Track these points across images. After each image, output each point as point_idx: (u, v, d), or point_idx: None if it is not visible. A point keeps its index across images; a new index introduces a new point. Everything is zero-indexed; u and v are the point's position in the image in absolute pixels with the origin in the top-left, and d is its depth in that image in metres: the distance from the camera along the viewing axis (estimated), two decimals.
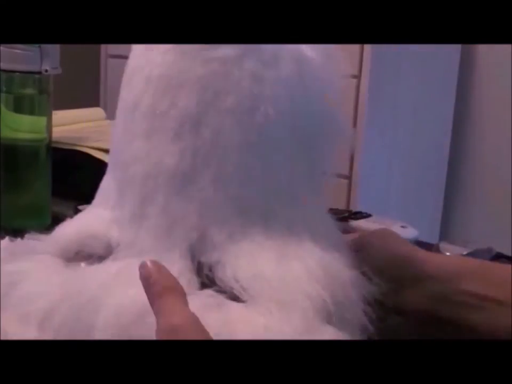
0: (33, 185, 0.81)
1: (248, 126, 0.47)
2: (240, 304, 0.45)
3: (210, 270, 0.47)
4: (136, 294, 0.41)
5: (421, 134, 2.02)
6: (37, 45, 0.77)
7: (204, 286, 0.47)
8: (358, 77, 1.75)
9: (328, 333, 0.43)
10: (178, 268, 0.45)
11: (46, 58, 0.78)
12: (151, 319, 0.39)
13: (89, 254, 0.50)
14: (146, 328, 0.41)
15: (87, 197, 0.56)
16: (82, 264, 0.50)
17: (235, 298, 0.45)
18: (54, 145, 0.84)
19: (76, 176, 0.95)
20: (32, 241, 0.55)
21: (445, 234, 2.20)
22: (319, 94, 0.49)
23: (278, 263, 0.46)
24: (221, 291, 0.46)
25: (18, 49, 0.77)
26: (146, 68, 0.49)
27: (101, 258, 0.49)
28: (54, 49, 0.79)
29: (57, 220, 0.57)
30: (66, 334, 0.44)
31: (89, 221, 0.52)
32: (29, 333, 0.46)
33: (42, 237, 0.55)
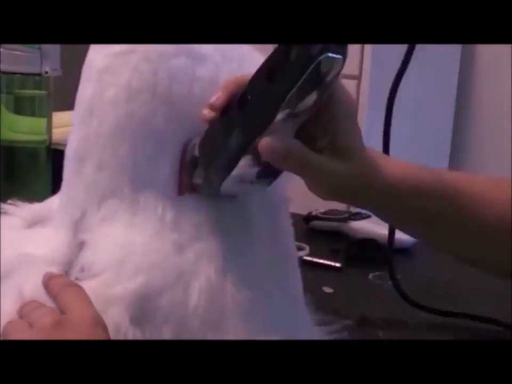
0: (33, 186, 0.81)
1: (123, 117, 0.50)
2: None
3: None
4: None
5: (421, 134, 2.02)
6: (37, 47, 0.77)
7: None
8: (358, 77, 1.75)
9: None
10: (59, 241, 0.51)
11: (46, 60, 0.78)
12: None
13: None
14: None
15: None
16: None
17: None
18: (54, 146, 0.84)
19: None
20: (13, 206, 0.60)
21: None
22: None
23: (124, 248, 0.49)
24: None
25: (19, 51, 0.77)
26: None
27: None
28: (54, 51, 0.79)
29: None
30: None
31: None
32: None
33: (22, 204, 0.60)
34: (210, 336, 0.46)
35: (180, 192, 0.50)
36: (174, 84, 0.49)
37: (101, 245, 0.49)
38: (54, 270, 0.49)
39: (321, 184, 0.50)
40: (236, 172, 0.48)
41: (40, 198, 0.71)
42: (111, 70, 0.50)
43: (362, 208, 0.58)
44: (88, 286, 0.47)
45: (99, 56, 0.51)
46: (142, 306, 0.46)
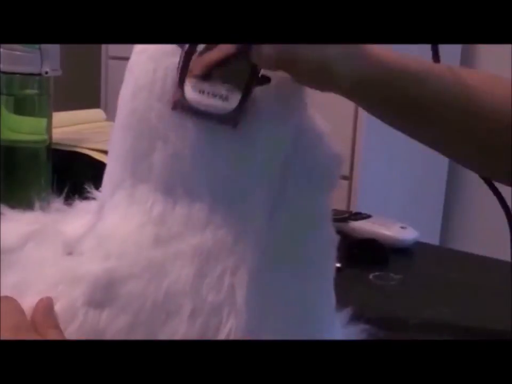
0: (33, 186, 0.81)
1: (129, 113, 0.52)
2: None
3: None
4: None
5: None
6: (37, 47, 0.77)
7: None
8: None
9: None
10: (80, 223, 0.53)
11: (46, 60, 0.78)
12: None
13: None
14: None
15: (87, 199, 0.57)
16: None
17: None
18: (54, 146, 0.84)
19: (76, 178, 0.95)
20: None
21: (445, 234, 2.20)
22: None
23: (106, 235, 0.50)
24: None
25: (19, 51, 0.77)
26: None
27: None
28: (54, 51, 0.79)
29: None
30: None
31: None
32: None
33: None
34: (162, 335, 0.46)
35: (173, 106, 0.51)
36: (168, 81, 0.50)
37: (96, 229, 0.51)
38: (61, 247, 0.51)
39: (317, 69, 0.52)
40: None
41: (40, 198, 0.71)
42: (130, 68, 0.52)
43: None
44: (65, 263, 0.49)
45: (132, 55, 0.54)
46: (103, 290, 0.47)
